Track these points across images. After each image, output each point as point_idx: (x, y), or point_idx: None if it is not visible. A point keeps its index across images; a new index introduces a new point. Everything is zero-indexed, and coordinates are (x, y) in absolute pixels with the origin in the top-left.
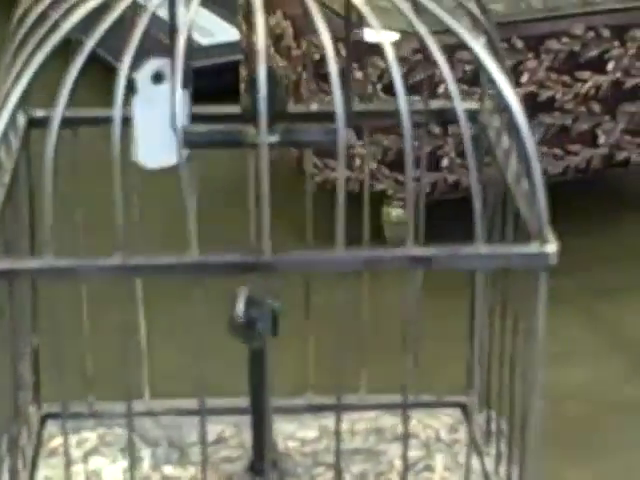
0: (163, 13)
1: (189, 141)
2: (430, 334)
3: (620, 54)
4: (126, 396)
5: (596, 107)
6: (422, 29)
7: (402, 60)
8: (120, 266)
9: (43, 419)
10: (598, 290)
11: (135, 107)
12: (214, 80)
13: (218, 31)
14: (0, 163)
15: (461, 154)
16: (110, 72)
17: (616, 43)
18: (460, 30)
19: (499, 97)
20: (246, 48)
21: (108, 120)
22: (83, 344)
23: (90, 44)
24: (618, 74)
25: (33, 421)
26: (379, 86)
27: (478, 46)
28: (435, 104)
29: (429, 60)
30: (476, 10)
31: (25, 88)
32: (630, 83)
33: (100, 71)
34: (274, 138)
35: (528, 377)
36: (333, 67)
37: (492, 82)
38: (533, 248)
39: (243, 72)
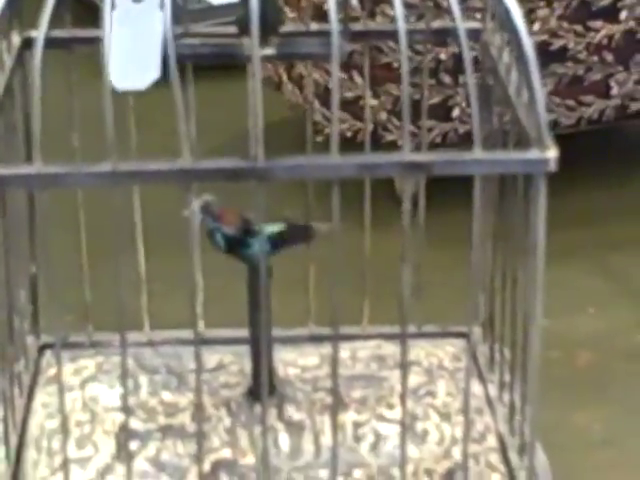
0: None
1: (180, 55)
2: (435, 281)
3: (633, 2)
4: (120, 325)
5: (609, 57)
6: None
7: None
8: (111, 172)
9: (41, 349)
10: (612, 242)
11: (112, 25)
12: None
13: None
14: None
15: None
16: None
17: None
18: None
19: (502, 11)
20: None
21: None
22: (81, 272)
23: None
24: (631, 23)
25: (31, 351)
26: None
27: None
28: (437, 24)
29: None
30: None
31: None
32: None
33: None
34: (270, 51)
35: (529, 297)
36: None
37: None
38: (533, 154)
39: None
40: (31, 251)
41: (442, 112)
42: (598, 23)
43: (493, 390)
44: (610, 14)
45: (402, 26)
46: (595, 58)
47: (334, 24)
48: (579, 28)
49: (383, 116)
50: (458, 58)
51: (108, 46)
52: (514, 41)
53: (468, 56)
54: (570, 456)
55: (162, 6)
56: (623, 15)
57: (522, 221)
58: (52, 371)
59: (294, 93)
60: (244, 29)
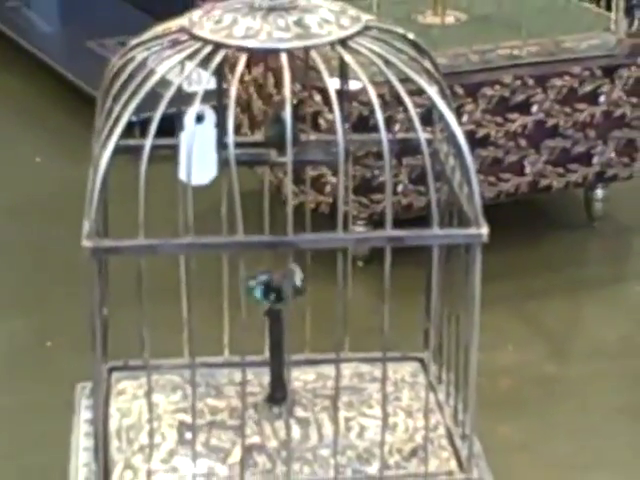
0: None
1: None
2: (395, 320)
3: (542, 99)
4: (191, 352)
5: (523, 142)
6: (392, 76)
7: (366, 104)
8: (190, 244)
9: (109, 371)
10: (527, 292)
11: (181, 140)
12: None
13: None
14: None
15: (413, 181)
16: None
17: (539, 90)
18: (420, 81)
19: (447, 128)
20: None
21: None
22: (140, 313)
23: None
24: (541, 115)
25: (103, 372)
26: (346, 125)
27: (433, 91)
28: (399, 135)
29: (388, 104)
30: (431, 67)
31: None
32: (551, 122)
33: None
34: (287, 158)
35: (468, 332)
36: (336, 108)
37: (442, 117)
38: (472, 231)
39: (256, 107)
40: (102, 298)
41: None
42: (514, 115)
43: (441, 397)
44: (524, 108)
45: (385, 137)
46: (512, 143)
47: (340, 137)
48: (499, 119)
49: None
50: (401, 147)
51: (182, 155)
52: (457, 152)
53: (429, 163)
54: (496, 458)
55: (216, 125)
56: (534, 109)
57: (463, 276)
58: (120, 386)
59: (266, 171)
60: (273, 144)
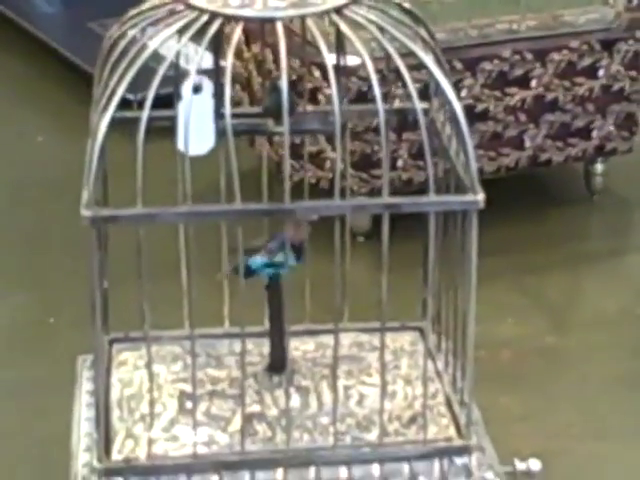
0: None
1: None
2: (394, 290)
3: (541, 73)
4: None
5: (522, 116)
6: (391, 49)
7: (365, 79)
8: (188, 212)
9: (111, 342)
10: (527, 266)
11: (179, 110)
12: None
13: None
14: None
15: (413, 156)
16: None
17: (538, 64)
18: (415, 48)
19: (444, 96)
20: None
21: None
22: (139, 284)
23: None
24: (540, 89)
25: (104, 344)
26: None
27: (429, 60)
28: (397, 105)
29: (387, 79)
30: (426, 35)
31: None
32: (550, 97)
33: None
34: (284, 128)
35: (465, 297)
36: (332, 76)
37: (439, 86)
38: (468, 197)
39: (256, 84)
40: (102, 270)
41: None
42: (514, 89)
43: (440, 365)
44: (523, 82)
45: (381, 106)
46: (511, 118)
47: (336, 106)
48: (498, 94)
49: (341, 166)
50: (401, 120)
51: (180, 125)
52: (453, 120)
53: (425, 132)
54: (497, 429)
55: (214, 95)
56: (533, 83)
57: (460, 244)
58: (122, 357)
59: (265, 147)
60: (271, 113)
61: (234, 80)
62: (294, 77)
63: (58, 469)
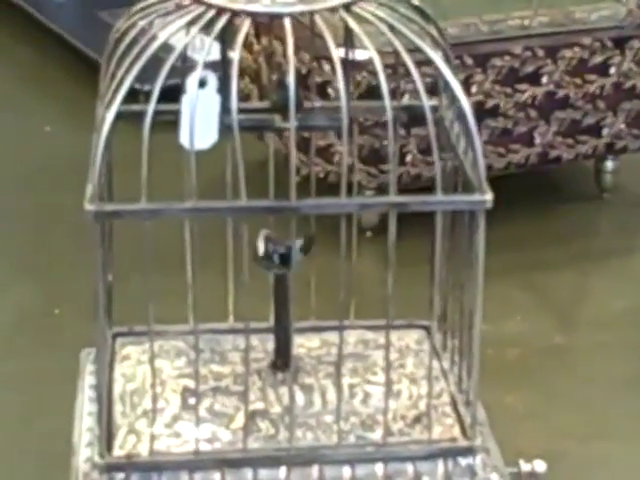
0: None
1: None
2: (400, 289)
3: (552, 70)
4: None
5: (533, 113)
6: (399, 45)
7: (375, 74)
8: (193, 208)
9: (114, 337)
10: (535, 263)
11: (183, 104)
12: None
13: None
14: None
15: (422, 151)
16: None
17: (549, 61)
18: (424, 46)
19: (452, 94)
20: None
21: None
22: (146, 278)
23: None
24: (551, 86)
25: (107, 338)
26: (355, 95)
27: (438, 58)
28: (405, 102)
29: (396, 74)
30: (435, 32)
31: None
32: (561, 94)
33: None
34: (295, 123)
35: (472, 296)
36: (340, 75)
37: (447, 84)
38: (476, 197)
39: (264, 78)
40: (106, 263)
41: (397, 158)
42: (524, 86)
43: (446, 364)
44: (534, 78)
45: (389, 102)
46: (521, 114)
47: (344, 103)
48: (508, 90)
49: (349, 161)
50: (410, 116)
51: (184, 119)
52: (462, 119)
53: (432, 129)
54: (502, 428)
55: (218, 91)
56: (544, 80)
57: (467, 243)
58: (125, 351)
59: (274, 140)
60: (278, 108)
61: (243, 72)
62: (304, 71)
63: (59, 464)
